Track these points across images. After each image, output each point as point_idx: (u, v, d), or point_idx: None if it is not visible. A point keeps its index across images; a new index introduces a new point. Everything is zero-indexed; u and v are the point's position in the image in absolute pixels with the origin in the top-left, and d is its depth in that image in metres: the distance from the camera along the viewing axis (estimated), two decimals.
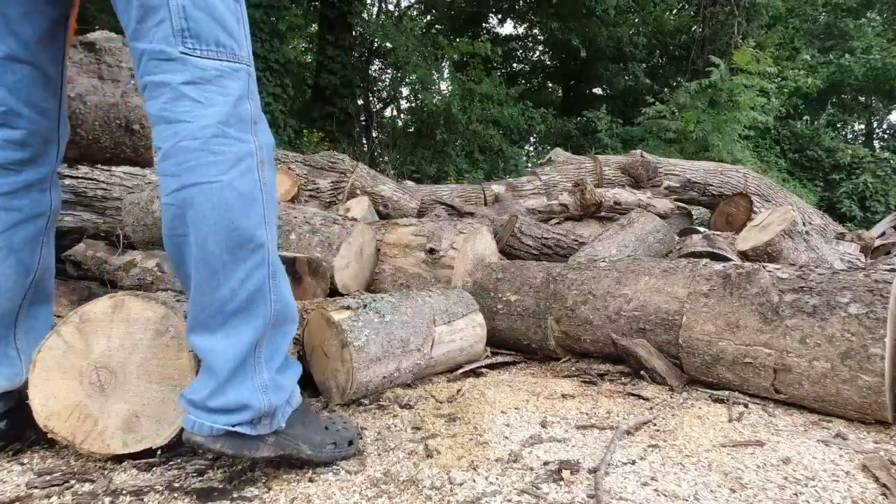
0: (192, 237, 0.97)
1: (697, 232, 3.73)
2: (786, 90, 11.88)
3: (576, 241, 3.10)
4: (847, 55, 13.92)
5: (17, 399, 1.19)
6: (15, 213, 1.16)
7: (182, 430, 1.03)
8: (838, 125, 15.88)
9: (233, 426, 1.00)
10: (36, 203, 1.19)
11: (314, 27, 12.97)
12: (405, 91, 13.55)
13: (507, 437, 1.26)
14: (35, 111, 1.14)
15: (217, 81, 0.98)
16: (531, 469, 1.11)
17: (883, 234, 4.69)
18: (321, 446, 1.11)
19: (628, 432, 1.28)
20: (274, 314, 1.04)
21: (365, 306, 1.56)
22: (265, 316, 1.03)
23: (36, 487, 1.03)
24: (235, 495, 1.02)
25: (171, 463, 1.14)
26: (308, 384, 1.56)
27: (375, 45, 12.37)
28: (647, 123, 10.72)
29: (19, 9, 1.07)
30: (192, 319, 1.02)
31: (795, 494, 1.01)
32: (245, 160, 1.00)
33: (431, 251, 2.27)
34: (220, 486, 1.05)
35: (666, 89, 11.03)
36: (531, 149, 16.11)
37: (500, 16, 17.08)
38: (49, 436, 1.12)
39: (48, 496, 1.01)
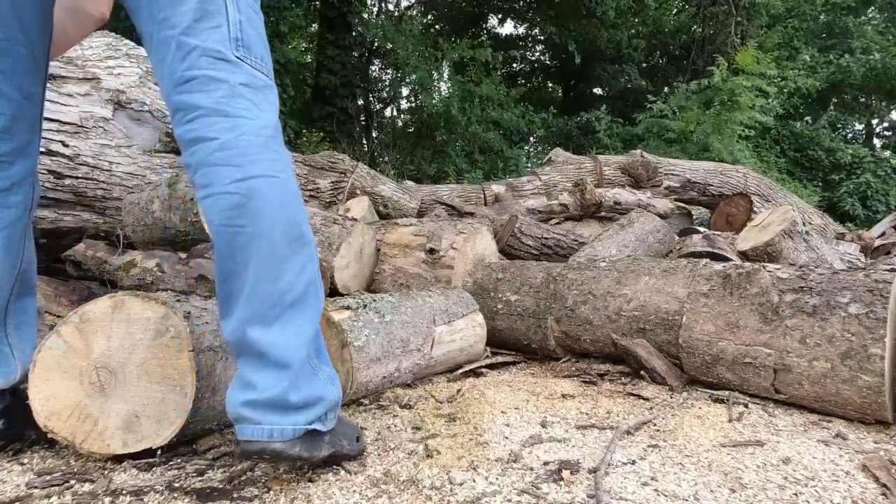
0: (252, 228, 0.97)
1: (697, 232, 3.73)
2: (786, 90, 11.88)
3: (576, 241, 3.10)
4: (847, 55, 13.92)
5: (13, 398, 1.19)
6: (11, 210, 1.16)
7: (245, 441, 0.96)
8: (838, 125, 15.88)
9: (310, 424, 1.00)
10: (27, 198, 1.20)
11: (314, 27, 12.97)
12: (405, 91, 13.56)
13: (507, 437, 1.26)
14: (23, 96, 1.15)
15: (264, 91, 1.05)
16: (531, 469, 1.11)
17: (883, 234, 4.69)
18: (352, 440, 1.12)
19: (628, 432, 1.28)
20: (321, 308, 1.07)
21: (365, 306, 1.56)
22: (318, 308, 1.05)
23: (36, 487, 1.03)
24: (235, 495, 1.02)
25: (171, 463, 1.14)
26: None
27: (375, 45, 12.36)
28: (648, 123, 10.72)
29: None
30: (249, 313, 0.97)
31: (795, 494, 1.01)
32: (290, 165, 1.06)
33: (431, 251, 2.27)
34: (220, 486, 1.05)
35: (666, 89, 11.04)
36: (531, 149, 16.11)
37: (500, 16, 17.09)
38: (49, 436, 1.12)
39: (48, 496, 1.01)
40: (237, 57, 1.01)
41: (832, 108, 15.75)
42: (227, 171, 0.98)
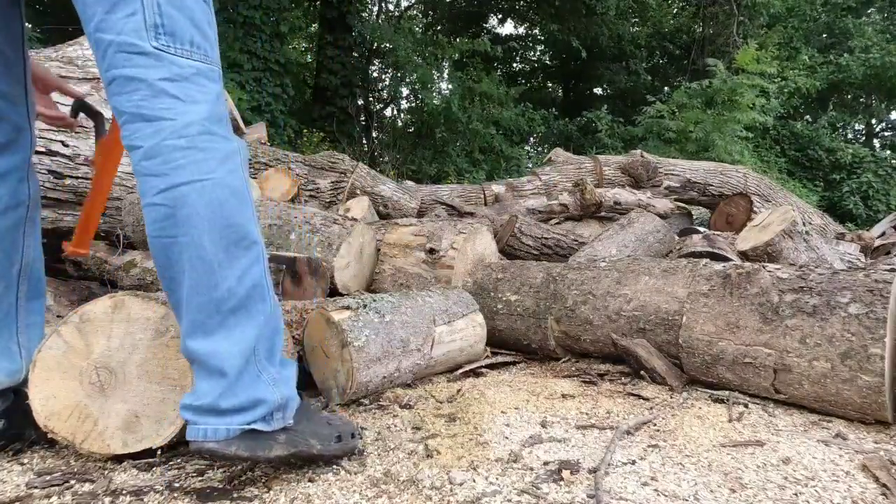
0: (183, 238, 0.95)
1: (697, 232, 3.73)
2: (786, 90, 11.88)
3: (576, 241, 3.10)
4: (846, 55, 13.91)
5: (16, 398, 1.19)
6: None
7: (189, 440, 1.00)
8: (839, 125, 15.88)
9: (248, 424, 0.99)
10: (14, 192, 1.17)
11: (314, 27, 12.97)
12: (405, 91, 13.55)
13: (507, 437, 1.26)
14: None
15: (195, 80, 0.97)
16: (531, 469, 1.11)
17: (883, 234, 4.69)
18: (329, 440, 1.10)
19: (628, 432, 1.28)
20: (272, 312, 1.04)
21: (365, 306, 1.56)
22: (265, 312, 1.02)
23: (36, 487, 1.03)
24: (235, 495, 1.02)
25: (171, 463, 1.14)
26: (308, 384, 1.56)
27: (375, 45, 12.36)
28: (648, 123, 10.73)
29: None
30: (189, 324, 0.98)
31: (795, 494, 1.01)
32: (232, 158, 0.99)
33: (431, 251, 2.27)
34: (220, 486, 1.05)
35: (666, 89, 11.05)
36: (531, 149, 16.11)
37: (500, 16, 17.09)
38: (49, 436, 1.12)
39: (48, 496, 1.01)
40: (156, 48, 0.93)
41: (832, 108, 15.75)
42: (153, 181, 0.94)
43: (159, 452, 1.13)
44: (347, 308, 1.53)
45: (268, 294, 1.03)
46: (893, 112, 17.13)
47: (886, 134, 17.79)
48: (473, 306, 1.88)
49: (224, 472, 1.11)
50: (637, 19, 15.63)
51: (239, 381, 0.98)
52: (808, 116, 15.06)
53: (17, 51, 1.14)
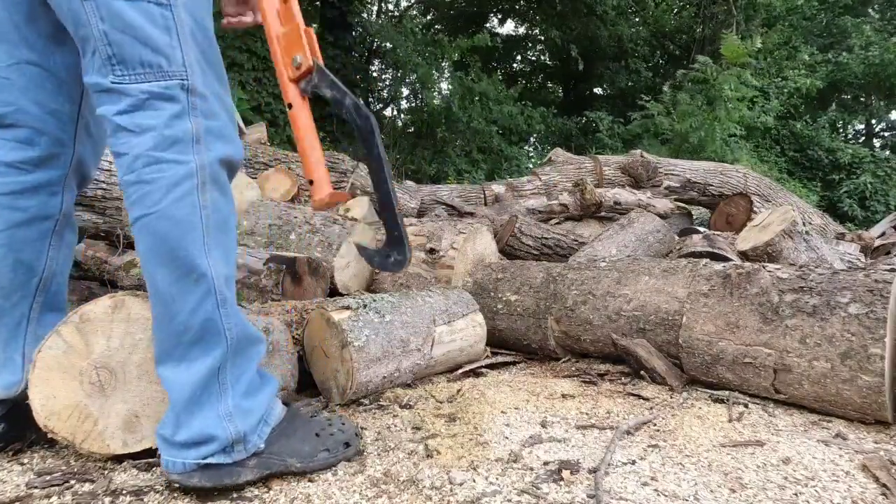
0: (146, 269, 0.98)
1: (697, 232, 3.73)
2: (786, 90, 11.87)
3: (576, 241, 3.10)
4: (845, 53, 13.91)
5: (14, 404, 1.18)
6: (19, 212, 1.15)
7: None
8: (839, 125, 15.88)
9: (204, 459, 0.99)
10: (43, 205, 1.17)
11: (314, 27, 12.96)
12: (405, 91, 13.55)
13: (507, 437, 1.26)
14: (44, 111, 1.13)
15: (146, 105, 0.95)
16: (531, 469, 1.11)
17: (883, 234, 4.69)
18: (312, 456, 1.09)
19: (628, 432, 1.28)
20: (232, 342, 1.03)
21: (365, 306, 1.56)
22: (221, 345, 1.01)
23: (36, 487, 1.03)
24: (235, 495, 1.02)
25: None
26: (308, 384, 1.56)
27: (375, 45, 12.37)
28: (642, 122, 10.75)
29: (23, 13, 1.07)
30: (158, 352, 1.02)
31: (795, 494, 1.01)
32: (181, 184, 0.96)
33: (431, 251, 2.27)
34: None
35: (666, 88, 11.05)
36: (531, 149, 16.11)
37: (500, 16, 17.09)
38: (49, 436, 1.11)
39: (48, 496, 1.01)
40: (113, 83, 0.93)
41: (833, 107, 15.75)
42: (129, 213, 0.98)
43: (159, 452, 1.13)
44: (347, 308, 1.53)
45: (222, 326, 1.01)
46: (893, 112, 17.14)
47: (885, 134, 17.80)
48: (473, 306, 1.88)
49: None
50: (637, 19, 15.64)
51: (191, 414, 0.99)
52: (807, 116, 15.06)
53: (73, 75, 1.14)
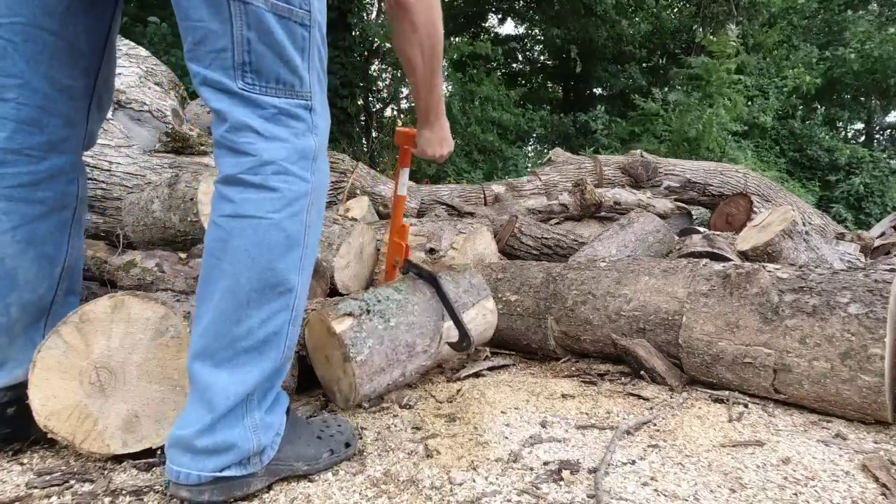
0: (227, 265, 0.94)
1: (697, 232, 3.73)
2: (785, 89, 11.87)
3: (576, 241, 3.10)
4: (842, 48, 13.90)
5: (18, 401, 1.18)
6: (37, 205, 1.09)
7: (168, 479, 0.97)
8: (838, 124, 15.88)
9: (220, 471, 0.96)
10: (61, 195, 1.12)
11: None
12: (405, 91, 13.54)
13: (507, 437, 1.26)
14: (54, 88, 1.06)
15: (277, 119, 0.96)
16: (531, 469, 1.11)
17: (883, 234, 4.69)
18: (316, 458, 1.09)
19: (628, 432, 1.28)
20: (283, 359, 1.02)
21: (368, 311, 1.48)
22: (275, 360, 1.00)
23: (36, 487, 1.03)
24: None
25: None
26: (310, 383, 1.56)
27: (375, 45, 12.36)
28: (639, 120, 10.78)
29: None
30: (201, 347, 0.96)
31: (795, 494, 1.01)
32: (299, 201, 0.97)
33: (431, 251, 2.27)
34: None
35: (666, 88, 11.06)
36: (531, 149, 16.10)
37: (500, 16, 17.09)
38: (49, 436, 1.12)
39: (48, 496, 1.01)
40: (241, 89, 0.92)
41: (832, 105, 15.74)
42: (223, 204, 0.95)
43: (159, 452, 1.13)
44: (350, 315, 1.44)
45: (284, 344, 1.01)
46: (893, 112, 17.13)
47: (882, 135, 17.80)
48: (485, 291, 1.81)
49: None
50: (637, 19, 15.62)
51: (222, 421, 0.95)
52: (806, 115, 15.05)
53: (93, 44, 1.08)
